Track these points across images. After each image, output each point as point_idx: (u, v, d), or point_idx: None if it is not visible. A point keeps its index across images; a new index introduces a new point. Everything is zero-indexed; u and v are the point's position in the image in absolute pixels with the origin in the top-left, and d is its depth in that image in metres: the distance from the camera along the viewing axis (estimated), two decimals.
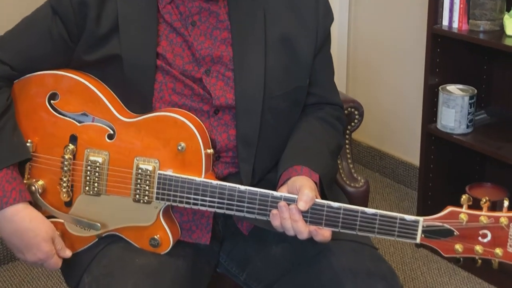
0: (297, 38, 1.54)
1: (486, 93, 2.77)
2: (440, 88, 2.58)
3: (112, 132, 1.48)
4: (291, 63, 1.54)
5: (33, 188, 1.51)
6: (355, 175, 1.88)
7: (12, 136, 1.49)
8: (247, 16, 1.52)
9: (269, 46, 1.52)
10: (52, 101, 1.52)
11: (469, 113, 2.53)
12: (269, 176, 1.57)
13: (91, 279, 1.45)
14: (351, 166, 1.90)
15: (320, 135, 1.57)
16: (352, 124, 1.92)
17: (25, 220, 1.45)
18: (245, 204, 1.40)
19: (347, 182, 1.86)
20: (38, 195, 1.51)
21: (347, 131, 1.92)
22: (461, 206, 1.34)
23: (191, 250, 1.54)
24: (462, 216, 1.33)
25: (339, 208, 1.37)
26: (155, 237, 1.47)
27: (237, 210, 1.41)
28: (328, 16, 1.59)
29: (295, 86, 1.55)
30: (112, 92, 1.52)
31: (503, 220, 1.32)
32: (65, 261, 1.56)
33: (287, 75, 1.54)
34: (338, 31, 3.34)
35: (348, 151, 1.92)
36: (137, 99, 1.49)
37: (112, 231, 1.50)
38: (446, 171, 2.77)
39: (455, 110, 2.52)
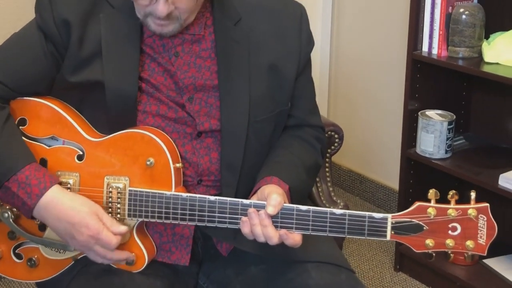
0: (281, 65, 1.57)
1: (465, 119, 2.80)
2: (419, 113, 2.60)
3: (81, 153, 1.49)
4: (275, 88, 1.57)
5: (6, 214, 1.49)
6: (334, 198, 1.90)
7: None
8: (231, 43, 1.53)
9: (254, 73, 1.54)
10: (21, 127, 1.51)
11: (447, 138, 2.55)
12: None
13: None
14: (330, 189, 1.92)
15: (295, 151, 1.59)
16: (332, 147, 1.94)
17: (65, 201, 1.42)
18: (216, 214, 1.42)
19: (327, 205, 1.88)
20: (11, 221, 1.49)
21: (327, 154, 1.94)
22: (429, 201, 1.36)
23: (169, 271, 1.54)
24: (430, 210, 1.36)
25: (308, 211, 1.39)
26: (130, 255, 1.47)
27: (208, 221, 1.43)
28: (310, 43, 1.62)
29: (278, 110, 1.58)
30: (80, 114, 1.53)
31: (472, 212, 1.35)
32: (44, 283, 1.55)
33: (271, 100, 1.56)
34: (320, 56, 3.37)
35: (328, 174, 1.93)
36: (121, 122, 1.50)
37: None
38: (425, 195, 2.77)
39: (434, 135, 2.55)
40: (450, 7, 2.47)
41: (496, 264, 2.59)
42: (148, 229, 1.52)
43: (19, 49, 1.53)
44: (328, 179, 1.93)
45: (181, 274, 1.57)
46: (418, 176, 2.75)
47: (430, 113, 2.60)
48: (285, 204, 1.39)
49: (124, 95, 1.49)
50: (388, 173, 3.24)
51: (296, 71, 1.59)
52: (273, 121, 1.58)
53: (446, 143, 2.56)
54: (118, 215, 1.46)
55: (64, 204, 1.42)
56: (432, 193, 1.37)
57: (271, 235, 1.38)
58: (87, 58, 1.49)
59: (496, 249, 2.56)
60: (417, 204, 1.37)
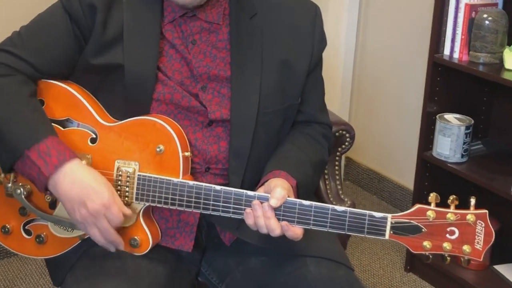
0: (293, 60, 1.60)
1: (485, 124, 2.79)
2: (437, 116, 2.61)
3: (94, 136, 1.54)
4: (286, 82, 1.60)
5: (18, 191, 1.54)
6: (342, 196, 1.92)
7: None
8: (246, 36, 1.57)
9: (266, 66, 1.58)
10: None
11: (464, 143, 2.55)
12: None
13: (73, 279, 1.49)
14: (339, 187, 1.94)
15: (303, 147, 1.63)
16: (343, 146, 1.96)
17: (83, 172, 1.46)
18: (221, 204, 1.46)
19: (334, 203, 1.90)
20: (23, 197, 1.54)
21: (338, 153, 1.96)
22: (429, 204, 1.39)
23: (173, 257, 1.58)
24: (429, 213, 1.38)
25: (310, 206, 1.42)
26: (135, 237, 1.51)
27: (213, 210, 1.47)
28: (322, 41, 1.66)
29: (288, 104, 1.61)
30: (95, 99, 1.57)
31: (470, 217, 1.37)
32: (52, 260, 1.61)
33: (281, 93, 1.60)
34: (344, 57, 3.38)
35: (337, 172, 1.95)
36: (135, 108, 1.54)
37: None
38: (440, 198, 2.78)
39: (451, 139, 2.55)
40: (474, 12, 2.47)
41: (506, 270, 2.59)
42: (154, 214, 1.56)
43: (47, 31, 1.56)
44: (337, 177, 1.95)
45: (184, 260, 1.61)
46: (434, 179, 2.75)
47: (449, 116, 2.60)
48: (288, 198, 1.43)
49: (143, 79, 1.53)
50: (406, 174, 3.24)
51: (308, 68, 1.63)
52: (282, 114, 1.62)
53: (463, 148, 2.56)
54: (126, 198, 1.50)
55: (81, 173, 1.45)
56: (432, 196, 1.39)
57: (274, 227, 1.42)
58: (110, 41, 1.53)
59: (507, 256, 2.59)
60: (417, 206, 1.39)
